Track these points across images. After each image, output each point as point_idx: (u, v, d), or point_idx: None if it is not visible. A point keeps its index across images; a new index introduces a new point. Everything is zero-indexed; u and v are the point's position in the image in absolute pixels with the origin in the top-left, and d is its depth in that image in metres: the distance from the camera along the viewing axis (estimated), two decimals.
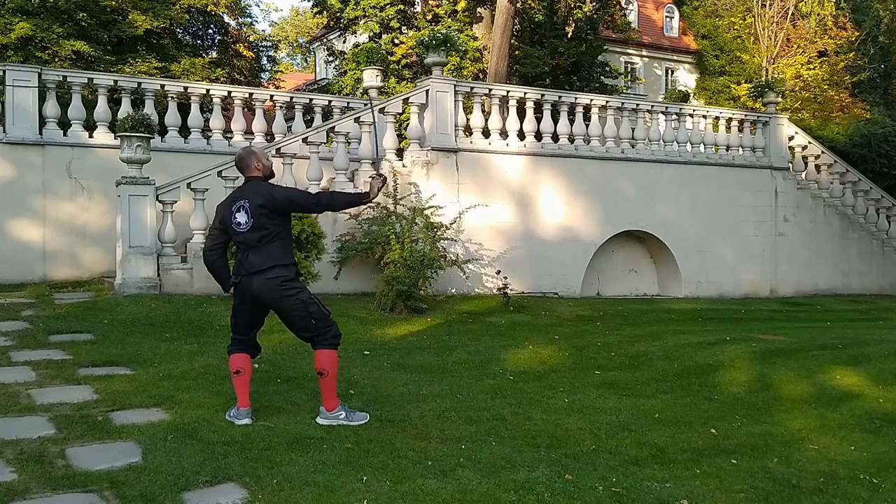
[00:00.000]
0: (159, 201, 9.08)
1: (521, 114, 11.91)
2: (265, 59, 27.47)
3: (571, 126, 12.28)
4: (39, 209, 10.33)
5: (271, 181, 4.98)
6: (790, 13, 28.86)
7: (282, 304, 4.77)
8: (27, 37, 17.42)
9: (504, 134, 11.73)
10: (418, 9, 23.39)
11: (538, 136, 11.98)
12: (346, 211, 10.00)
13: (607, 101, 12.69)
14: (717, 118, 13.92)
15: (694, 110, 13.86)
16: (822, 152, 14.78)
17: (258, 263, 4.70)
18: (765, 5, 29.14)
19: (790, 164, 14.44)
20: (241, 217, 4.74)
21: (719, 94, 32.36)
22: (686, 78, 37.80)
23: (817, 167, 14.88)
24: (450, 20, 22.13)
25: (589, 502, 3.87)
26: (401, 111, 11.52)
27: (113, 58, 18.83)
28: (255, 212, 4.71)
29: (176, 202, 9.24)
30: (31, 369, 5.85)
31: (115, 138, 10.10)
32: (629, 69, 34.02)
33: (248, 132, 12.30)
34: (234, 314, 4.98)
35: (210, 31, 24.58)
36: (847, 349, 8.23)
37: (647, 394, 6.28)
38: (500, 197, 11.30)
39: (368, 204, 5.54)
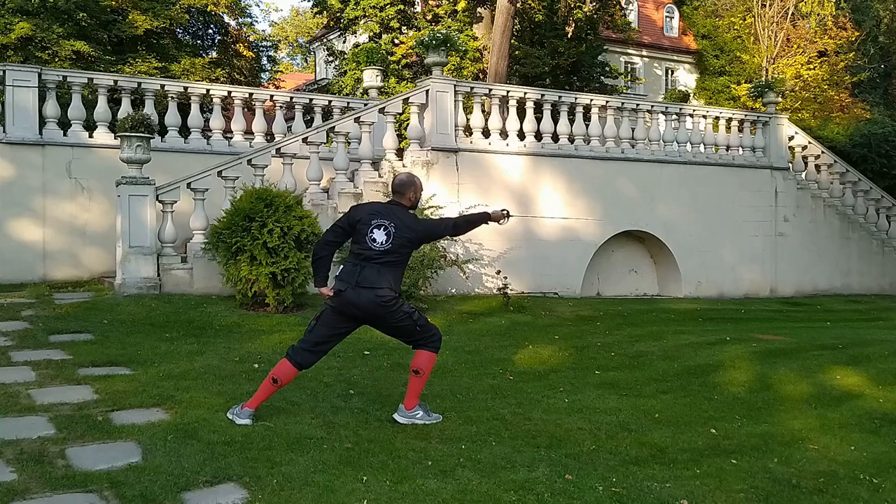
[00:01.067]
0: (159, 201, 9.08)
1: (521, 114, 11.91)
2: (265, 59, 27.47)
3: (571, 126, 12.28)
4: (39, 209, 10.33)
5: (411, 212, 5.14)
6: (790, 13, 28.87)
7: (388, 320, 4.89)
8: (27, 37, 17.42)
9: (504, 134, 11.73)
10: (418, 9, 23.38)
11: (538, 136, 11.98)
12: (346, 211, 10.01)
13: (607, 101, 12.69)
14: (717, 118, 13.92)
15: (694, 110, 13.86)
16: (822, 152, 14.78)
17: (372, 280, 4.77)
18: (765, 5, 29.14)
19: (790, 164, 14.44)
20: (380, 236, 4.82)
21: (719, 94, 32.36)
22: (686, 78, 37.80)
23: (817, 167, 14.88)
24: (450, 20, 22.13)
25: (589, 502, 3.88)
26: (401, 111, 11.52)
27: (113, 58, 18.84)
28: (400, 238, 4.84)
29: (176, 202, 9.24)
30: (31, 369, 5.85)
31: (115, 138, 10.10)
32: (629, 69, 34.02)
33: (248, 132, 12.30)
34: (320, 318, 4.95)
35: (210, 31, 24.59)
36: (847, 349, 8.23)
37: (647, 394, 6.28)
38: (500, 197, 11.28)
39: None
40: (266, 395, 4.88)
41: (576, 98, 12.49)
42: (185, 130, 11.69)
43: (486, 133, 11.73)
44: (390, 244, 4.81)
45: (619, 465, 4.47)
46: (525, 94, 11.93)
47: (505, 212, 5.20)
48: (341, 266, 4.96)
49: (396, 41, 22.58)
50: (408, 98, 11.15)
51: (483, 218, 5.25)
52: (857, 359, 7.73)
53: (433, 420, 5.10)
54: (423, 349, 5.01)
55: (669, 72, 38.24)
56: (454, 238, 10.41)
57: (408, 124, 11.70)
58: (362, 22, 23.26)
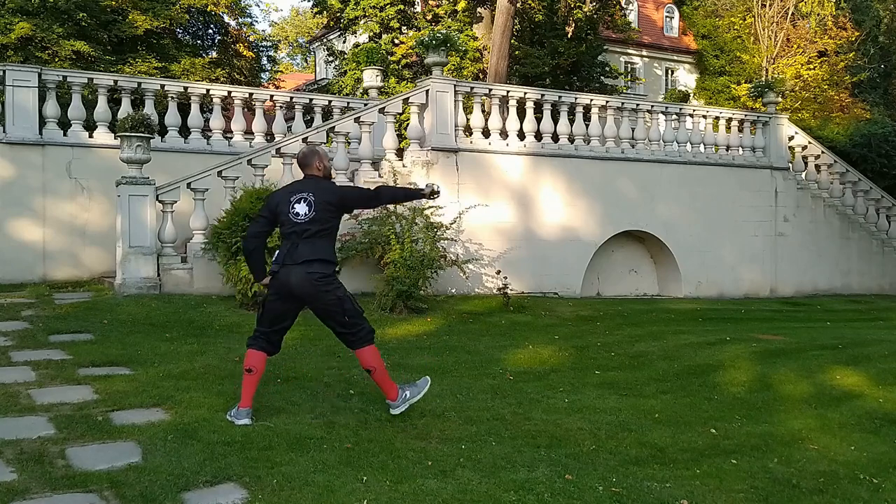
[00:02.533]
0: (159, 201, 9.08)
1: (521, 114, 11.91)
2: (265, 59, 27.47)
3: (571, 126, 12.27)
4: (39, 209, 10.33)
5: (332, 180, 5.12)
6: (790, 13, 28.88)
7: (318, 299, 4.82)
8: (27, 37, 17.42)
9: (504, 134, 11.73)
10: (418, 9, 23.39)
11: (538, 136, 11.97)
12: None
13: (607, 101, 12.69)
14: (717, 118, 13.91)
15: (694, 110, 13.86)
16: (822, 152, 14.77)
17: (306, 254, 4.74)
18: (765, 5, 29.15)
19: (790, 164, 14.44)
20: (302, 208, 4.79)
21: (719, 94, 32.37)
22: (686, 78, 37.81)
23: (817, 167, 14.88)
24: (450, 20, 22.14)
25: (589, 502, 3.87)
26: (401, 111, 11.52)
27: (113, 58, 18.83)
28: (321, 206, 4.79)
29: (176, 202, 9.24)
30: (31, 369, 5.85)
31: (115, 138, 10.10)
32: (629, 69, 34.02)
33: (249, 132, 12.30)
34: (263, 307, 4.97)
35: (210, 31, 24.58)
36: (847, 349, 8.23)
37: (647, 394, 6.28)
38: (500, 197, 11.29)
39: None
40: (251, 387, 4.87)
41: (576, 98, 12.49)
42: (185, 130, 11.69)
43: (486, 133, 11.73)
44: (314, 212, 4.78)
45: (619, 465, 4.47)
46: (525, 94, 11.93)
47: (434, 186, 5.17)
48: (277, 251, 4.94)
49: (396, 41, 22.58)
50: (408, 98, 11.15)
51: (419, 193, 5.22)
52: (857, 359, 7.73)
53: (422, 387, 5.13)
54: (360, 347, 4.92)
55: (669, 72, 38.24)
56: (453, 238, 10.43)
57: (408, 124, 11.69)
58: (362, 22, 23.26)
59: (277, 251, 4.89)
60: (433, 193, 5.16)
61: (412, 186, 5.39)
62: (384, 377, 5.01)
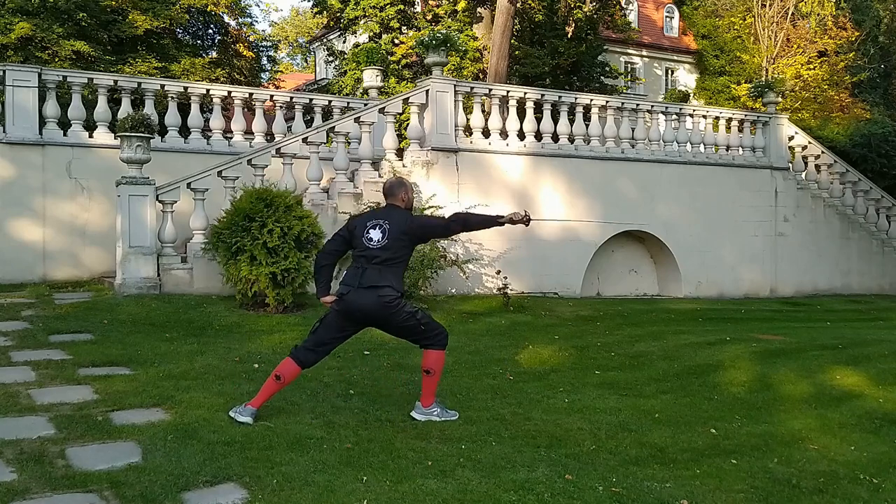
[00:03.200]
0: (159, 201, 9.08)
1: (521, 114, 11.91)
2: (265, 59, 27.46)
3: (571, 126, 12.28)
4: (39, 209, 10.33)
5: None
6: (790, 13, 28.87)
7: (392, 321, 4.93)
8: (27, 37, 17.41)
9: (504, 134, 11.73)
10: (418, 9, 23.38)
11: (538, 136, 11.98)
12: (346, 211, 10.02)
13: (607, 101, 12.69)
14: (717, 118, 13.92)
15: (694, 110, 13.86)
16: (822, 152, 14.77)
17: (374, 279, 4.80)
18: (765, 5, 29.14)
19: (790, 164, 14.44)
20: (376, 235, 4.89)
21: (719, 94, 32.36)
22: (686, 78, 37.80)
23: (817, 167, 14.88)
24: (450, 20, 22.13)
25: (589, 502, 3.87)
26: (401, 111, 11.52)
27: (113, 58, 18.83)
28: (395, 235, 4.88)
29: (176, 202, 9.24)
30: (31, 369, 5.85)
31: (115, 138, 10.10)
32: (629, 69, 34.02)
33: (248, 132, 12.30)
34: (322, 323, 4.99)
35: (210, 31, 24.57)
36: (847, 349, 8.23)
37: (647, 394, 6.28)
38: (501, 197, 11.29)
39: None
40: (270, 393, 4.91)
41: (576, 98, 12.49)
42: (185, 130, 11.68)
43: (486, 133, 11.73)
44: (387, 240, 4.86)
45: (619, 465, 4.47)
46: (525, 94, 11.93)
47: (523, 214, 5.05)
48: (344, 271, 5.00)
49: (396, 41, 22.57)
50: (408, 98, 11.15)
51: (496, 220, 5.12)
52: (857, 359, 7.73)
53: (450, 417, 5.17)
54: (431, 349, 5.06)
55: (669, 72, 38.24)
56: (453, 238, 10.42)
57: (408, 124, 11.70)
58: (362, 22, 23.26)
59: (346, 273, 4.97)
60: (522, 220, 5.02)
61: (491, 215, 5.32)
62: (434, 385, 5.13)
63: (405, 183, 5.24)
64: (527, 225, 5.14)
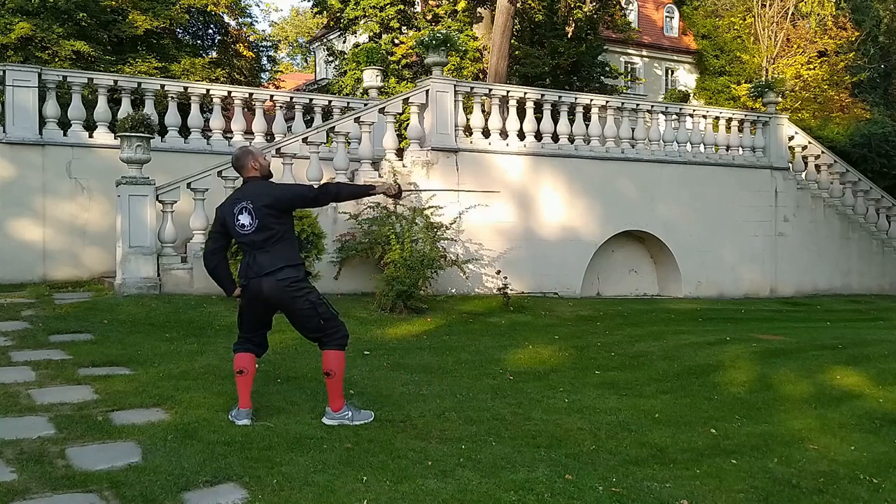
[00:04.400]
0: (159, 201, 9.08)
1: (521, 114, 11.91)
2: (265, 59, 27.47)
3: (571, 126, 12.28)
4: (39, 209, 10.33)
5: (271, 180, 4.93)
6: (790, 13, 28.87)
7: (291, 306, 4.75)
8: (27, 37, 17.42)
9: (504, 134, 11.73)
10: (418, 9, 23.39)
11: (538, 136, 11.98)
12: (346, 210, 10.02)
13: (607, 101, 12.69)
14: (717, 118, 13.92)
15: (694, 110, 13.86)
16: (822, 152, 14.77)
17: (267, 265, 4.65)
18: (765, 5, 29.14)
19: (790, 164, 14.44)
20: (245, 218, 4.67)
21: (719, 94, 32.36)
22: (686, 78, 37.80)
23: (817, 167, 14.88)
24: (450, 20, 22.13)
25: (589, 502, 3.87)
26: (401, 111, 11.52)
27: (113, 58, 18.83)
28: (261, 212, 4.64)
29: (176, 202, 9.24)
30: (31, 369, 5.85)
31: (115, 138, 10.10)
32: (629, 69, 34.01)
33: (248, 132, 12.30)
34: (241, 314, 4.96)
35: (210, 31, 24.58)
36: (847, 349, 8.22)
37: (647, 394, 6.28)
38: (500, 197, 11.28)
39: (375, 197, 5.44)
40: (246, 387, 4.85)
41: (576, 98, 12.49)
42: (185, 130, 11.68)
43: (486, 133, 11.73)
44: (257, 220, 4.63)
45: (619, 465, 4.47)
46: (525, 94, 11.93)
47: (398, 185, 4.97)
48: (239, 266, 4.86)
49: (396, 41, 22.58)
50: (408, 98, 11.15)
51: (366, 189, 4.98)
52: (857, 359, 7.72)
53: (364, 419, 4.93)
54: (329, 349, 4.82)
55: (669, 72, 38.24)
56: (454, 239, 10.41)
57: (408, 124, 11.70)
58: (362, 22, 23.26)
59: (240, 264, 4.83)
60: (397, 194, 4.92)
61: (365, 184, 5.17)
62: (339, 386, 4.89)
63: (250, 150, 4.90)
64: (398, 199, 4.98)
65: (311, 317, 4.76)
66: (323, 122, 12.12)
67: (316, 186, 5.05)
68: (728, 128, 13.97)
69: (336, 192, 5.00)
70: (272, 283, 4.66)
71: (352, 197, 5.27)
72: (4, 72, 10.34)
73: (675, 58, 38.06)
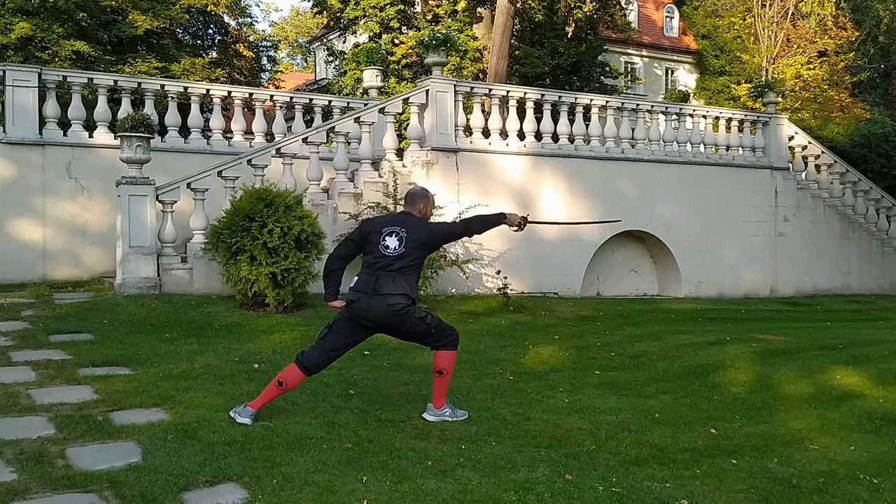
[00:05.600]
0: (159, 201, 9.08)
1: (521, 114, 11.91)
2: (265, 59, 27.46)
3: (571, 126, 12.28)
4: (39, 209, 10.34)
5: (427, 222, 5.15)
6: (790, 13, 28.88)
7: (402, 327, 4.90)
8: (27, 37, 17.41)
9: (504, 134, 11.73)
10: (418, 9, 23.38)
11: (538, 136, 11.98)
12: (346, 210, 10.04)
13: (607, 101, 12.69)
14: (717, 118, 13.92)
15: (694, 110, 13.86)
16: (822, 152, 14.77)
17: (386, 288, 4.76)
18: (765, 5, 29.15)
19: (790, 164, 14.44)
20: (392, 242, 4.83)
21: (719, 94, 32.37)
22: (686, 78, 37.80)
23: (817, 167, 14.88)
24: (450, 20, 22.13)
25: (589, 502, 3.87)
26: (401, 111, 11.52)
27: (113, 58, 18.83)
28: (412, 244, 4.85)
29: (176, 202, 9.24)
30: (31, 369, 5.85)
31: (115, 138, 10.10)
32: (629, 69, 34.01)
33: (248, 132, 12.30)
34: (332, 330, 4.90)
35: (210, 31, 24.58)
36: (847, 349, 8.22)
37: (647, 394, 6.28)
38: (501, 197, 11.29)
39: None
40: (271, 397, 4.89)
41: (576, 98, 12.49)
42: (185, 130, 11.68)
43: (486, 133, 11.73)
44: (403, 248, 4.82)
45: (619, 465, 4.47)
46: (525, 94, 11.93)
47: (524, 218, 5.21)
48: (355, 277, 4.92)
49: (396, 41, 22.57)
50: (408, 98, 11.15)
51: (498, 219, 5.24)
52: (857, 359, 7.72)
53: (459, 417, 5.19)
54: (443, 349, 5.05)
55: (669, 72, 38.24)
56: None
57: (408, 124, 11.70)
58: (362, 22, 23.26)
59: (357, 278, 4.89)
60: (523, 223, 5.20)
61: (497, 213, 5.39)
62: (445, 386, 5.14)
63: (428, 195, 5.20)
64: (521, 229, 5.27)
65: (424, 330, 4.98)
66: (323, 122, 12.11)
67: (461, 222, 5.39)
68: (728, 128, 13.97)
69: (477, 228, 5.34)
70: (383, 305, 4.76)
71: (487, 227, 5.43)
72: (4, 72, 10.34)
73: (675, 58, 38.06)
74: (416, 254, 4.89)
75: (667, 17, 38.63)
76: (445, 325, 5.09)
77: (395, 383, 6.13)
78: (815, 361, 7.54)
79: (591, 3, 23.98)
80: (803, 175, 14.73)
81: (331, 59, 27.36)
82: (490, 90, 11.87)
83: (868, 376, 6.96)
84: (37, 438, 4.33)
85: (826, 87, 28.52)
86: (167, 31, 21.07)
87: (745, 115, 14.21)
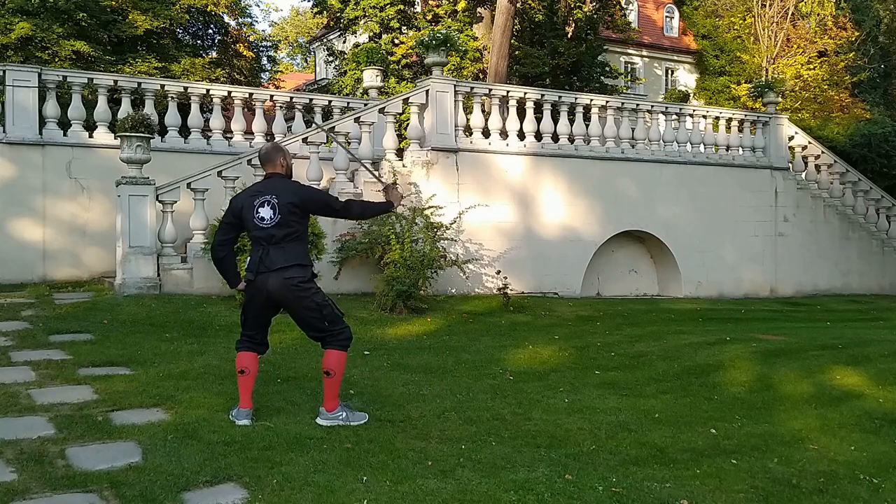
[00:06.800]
0: (159, 201, 9.08)
1: (521, 114, 11.91)
2: (265, 59, 27.48)
3: (571, 126, 12.28)
4: (40, 209, 10.34)
5: (294, 180, 4.97)
6: (790, 13, 28.85)
7: (296, 305, 4.74)
8: (27, 37, 17.42)
9: (504, 134, 11.73)
10: (418, 9, 23.39)
11: (538, 136, 11.98)
12: None
13: (607, 101, 12.70)
14: (717, 118, 13.92)
15: (694, 110, 13.86)
16: (822, 152, 14.78)
17: (279, 261, 4.64)
18: (765, 5, 29.13)
19: (790, 164, 14.44)
20: (266, 212, 4.65)
21: (719, 94, 32.35)
22: (686, 78, 37.80)
23: (817, 167, 14.88)
24: (450, 20, 22.13)
25: (589, 502, 3.87)
26: (401, 111, 11.52)
27: (113, 58, 18.83)
28: (285, 209, 4.64)
29: (176, 202, 9.24)
30: (31, 369, 5.85)
31: (115, 138, 10.10)
32: (629, 69, 34.00)
33: (248, 132, 12.30)
34: (244, 311, 4.93)
35: (210, 31, 24.59)
36: (847, 349, 8.22)
37: (647, 394, 6.28)
38: (501, 197, 11.29)
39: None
40: (247, 388, 4.85)
41: (576, 98, 12.50)
42: (185, 130, 11.69)
43: (486, 133, 11.73)
44: (279, 216, 4.62)
45: (619, 465, 4.47)
46: (525, 94, 11.93)
47: (394, 185, 5.15)
48: (249, 257, 4.82)
49: (396, 41, 22.58)
50: (408, 98, 11.15)
51: (388, 207, 5.11)
52: (857, 359, 7.72)
53: (358, 420, 4.92)
54: (331, 348, 4.82)
55: (669, 72, 38.23)
56: (455, 239, 10.41)
57: (408, 124, 11.70)
58: (362, 22, 23.26)
59: (249, 257, 4.77)
60: (398, 193, 5.11)
61: (383, 202, 5.26)
62: (336, 387, 4.90)
63: (280, 147, 4.96)
64: (398, 194, 5.14)
65: (316, 318, 4.77)
66: (323, 121, 12.11)
67: (344, 200, 5.14)
68: (728, 128, 13.97)
69: (360, 213, 5.18)
70: (279, 281, 4.65)
71: (376, 215, 5.35)
72: (4, 72, 10.35)
73: (675, 58, 38.05)
74: (293, 219, 4.67)
75: (667, 17, 38.63)
76: (341, 322, 4.85)
77: (395, 383, 6.13)
78: (815, 361, 7.54)
79: (591, 3, 23.98)
80: (803, 175, 14.73)
81: (331, 59, 27.36)
82: (490, 90, 11.87)
83: (868, 376, 6.96)
84: (37, 438, 4.33)
85: (826, 87, 28.50)
86: (167, 31, 21.08)
87: (745, 115, 14.21)
